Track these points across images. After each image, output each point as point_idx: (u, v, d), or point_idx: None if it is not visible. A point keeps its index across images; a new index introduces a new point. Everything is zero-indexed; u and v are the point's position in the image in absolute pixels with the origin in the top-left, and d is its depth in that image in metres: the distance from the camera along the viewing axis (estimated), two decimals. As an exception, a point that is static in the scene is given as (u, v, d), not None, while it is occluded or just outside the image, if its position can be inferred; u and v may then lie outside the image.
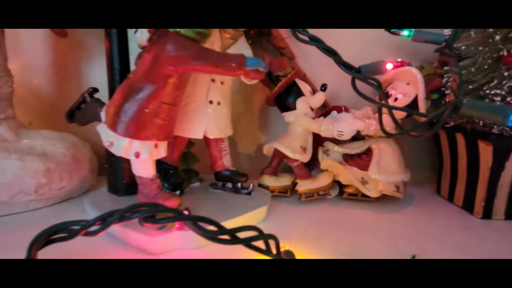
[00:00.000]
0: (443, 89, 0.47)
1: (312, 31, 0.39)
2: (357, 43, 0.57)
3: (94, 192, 0.48)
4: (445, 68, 0.47)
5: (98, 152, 0.54)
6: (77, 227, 0.25)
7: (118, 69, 0.42)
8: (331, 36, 0.53)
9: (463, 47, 0.43)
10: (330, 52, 0.38)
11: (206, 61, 0.31)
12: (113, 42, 0.41)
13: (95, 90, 0.40)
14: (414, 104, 0.46)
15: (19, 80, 0.49)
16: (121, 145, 0.34)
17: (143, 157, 0.34)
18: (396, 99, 0.47)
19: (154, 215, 0.26)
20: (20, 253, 0.24)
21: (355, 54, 0.55)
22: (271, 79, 0.52)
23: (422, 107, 0.45)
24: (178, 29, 0.30)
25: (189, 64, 0.31)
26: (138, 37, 0.32)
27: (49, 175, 0.45)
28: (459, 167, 0.49)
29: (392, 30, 0.44)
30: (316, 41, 0.38)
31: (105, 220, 0.24)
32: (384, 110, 0.45)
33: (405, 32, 0.43)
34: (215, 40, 0.39)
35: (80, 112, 0.40)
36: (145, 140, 0.34)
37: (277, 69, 0.50)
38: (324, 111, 0.54)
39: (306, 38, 0.38)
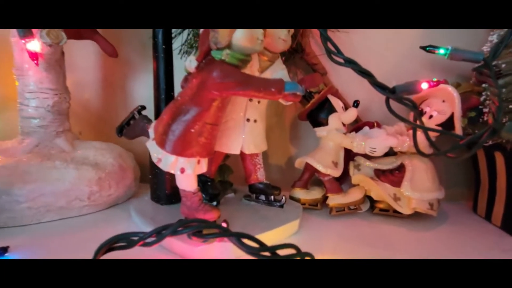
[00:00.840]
0: (480, 106, 0.46)
1: (346, 51, 0.40)
2: (390, 59, 0.57)
3: (139, 200, 0.52)
4: (483, 85, 0.46)
5: (140, 161, 0.59)
6: (135, 238, 0.28)
7: (164, 88, 0.46)
8: (364, 53, 0.54)
9: (503, 65, 0.42)
10: (365, 73, 0.39)
11: (249, 87, 0.33)
12: (160, 65, 0.45)
13: (143, 107, 0.44)
14: (449, 121, 0.46)
15: (72, 95, 0.55)
16: (168, 162, 0.37)
17: (187, 173, 0.37)
18: (431, 116, 0.47)
19: (201, 230, 0.29)
20: (82, 254, 0.28)
21: (389, 70, 0.56)
22: (304, 95, 0.53)
23: (458, 126, 0.44)
24: (223, 58, 0.33)
25: (234, 90, 0.34)
26: (187, 65, 0.36)
27: (100, 183, 0.49)
28: (498, 186, 0.48)
29: (427, 48, 0.44)
30: (351, 63, 0.39)
31: (160, 233, 0.27)
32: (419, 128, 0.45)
33: (441, 51, 0.43)
34: (254, 62, 0.42)
35: (129, 128, 0.44)
36: (189, 157, 0.37)
37: (310, 86, 0.51)
38: (355, 126, 0.55)
39: (341, 60, 0.40)
